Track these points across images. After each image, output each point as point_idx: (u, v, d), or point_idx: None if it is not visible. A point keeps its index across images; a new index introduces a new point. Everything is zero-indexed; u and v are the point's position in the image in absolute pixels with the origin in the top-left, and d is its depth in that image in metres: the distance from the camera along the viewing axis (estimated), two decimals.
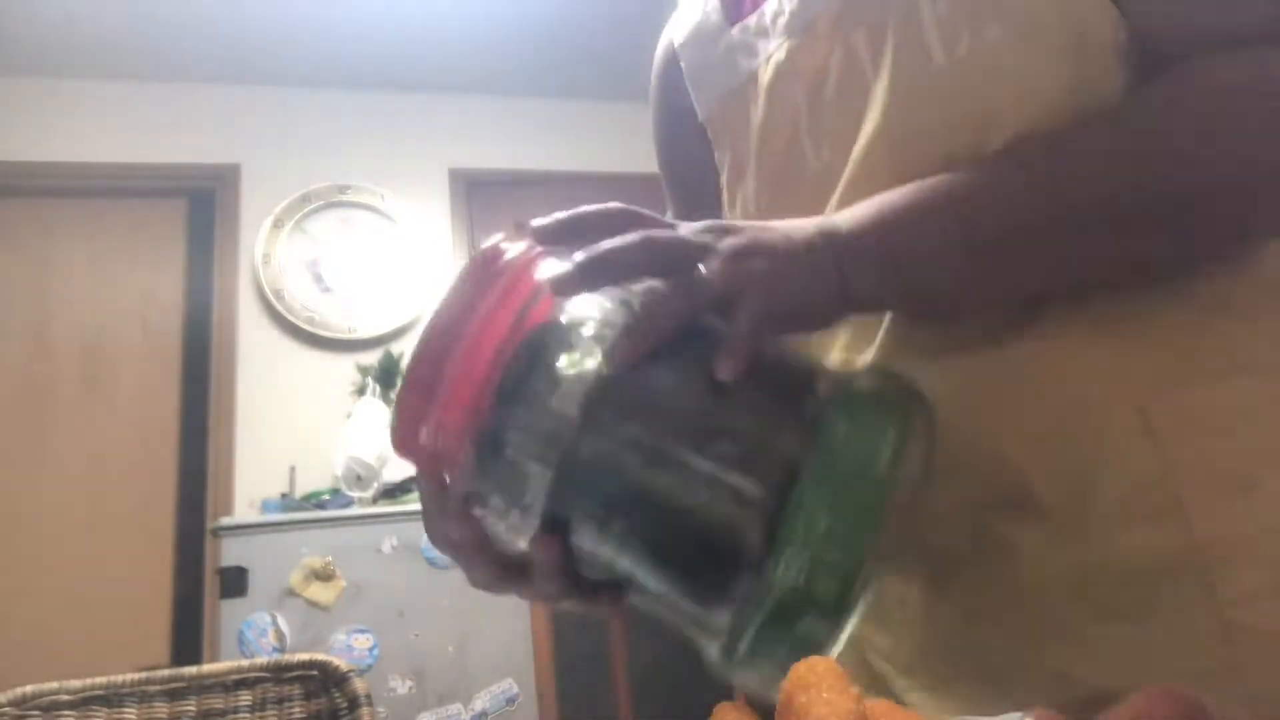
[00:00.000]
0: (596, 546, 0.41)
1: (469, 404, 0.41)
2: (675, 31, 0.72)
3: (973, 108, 0.51)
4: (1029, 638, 0.50)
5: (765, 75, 0.60)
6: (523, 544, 0.43)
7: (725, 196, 0.66)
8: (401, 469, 2.42)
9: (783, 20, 0.59)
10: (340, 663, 1.02)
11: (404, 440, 0.44)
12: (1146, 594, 0.47)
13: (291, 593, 2.05)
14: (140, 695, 0.99)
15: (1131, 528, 0.47)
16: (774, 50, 0.59)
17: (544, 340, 0.41)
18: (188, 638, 2.55)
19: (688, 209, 0.73)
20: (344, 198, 3.06)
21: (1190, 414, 0.47)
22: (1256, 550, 0.45)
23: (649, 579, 0.40)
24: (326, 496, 2.41)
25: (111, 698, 0.98)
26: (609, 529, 0.40)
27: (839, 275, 0.47)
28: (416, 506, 2.45)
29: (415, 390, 0.42)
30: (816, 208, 0.56)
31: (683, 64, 0.69)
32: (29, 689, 0.96)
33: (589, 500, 0.40)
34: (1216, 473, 0.47)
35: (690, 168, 0.70)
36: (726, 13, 0.65)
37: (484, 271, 0.43)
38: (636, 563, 0.40)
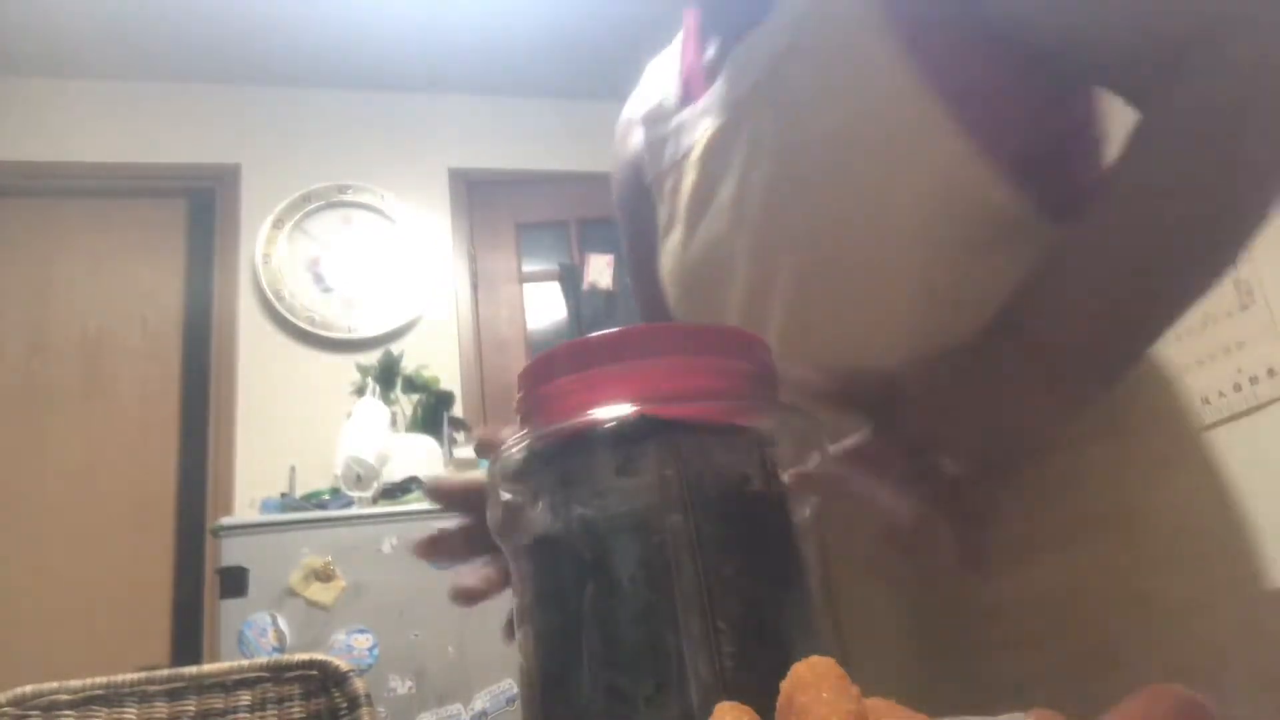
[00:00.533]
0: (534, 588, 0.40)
1: (585, 405, 0.40)
2: (636, 107, 0.87)
3: (849, 174, 0.59)
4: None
5: (696, 150, 0.72)
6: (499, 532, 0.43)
7: (661, 244, 0.79)
8: (401, 469, 2.42)
9: (714, 105, 0.70)
10: (340, 663, 1.02)
11: (534, 369, 0.43)
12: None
13: (291, 593, 2.05)
14: (140, 695, 0.99)
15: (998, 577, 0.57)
16: (705, 129, 0.71)
17: (695, 436, 0.40)
18: (188, 638, 2.55)
19: (633, 243, 0.92)
20: (344, 198, 3.06)
21: (1034, 477, 0.55)
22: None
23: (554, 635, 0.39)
24: (326, 496, 2.41)
25: (111, 698, 0.98)
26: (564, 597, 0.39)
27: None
28: (416, 506, 2.44)
29: (588, 354, 0.41)
30: (723, 269, 0.68)
31: (643, 133, 0.83)
32: (29, 689, 0.96)
33: (562, 571, 0.39)
34: (1024, 534, 0.56)
35: (638, 215, 0.86)
36: (680, 97, 0.78)
37: (725, 341, 0.42)
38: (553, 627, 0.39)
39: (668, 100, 0.79)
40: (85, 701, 0.97)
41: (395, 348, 2.87)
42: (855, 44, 0.58)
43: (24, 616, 2.50)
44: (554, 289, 3.15)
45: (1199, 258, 0.51)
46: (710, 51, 0.75)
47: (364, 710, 0.98)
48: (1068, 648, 0.54)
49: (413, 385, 2.78)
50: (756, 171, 0.64)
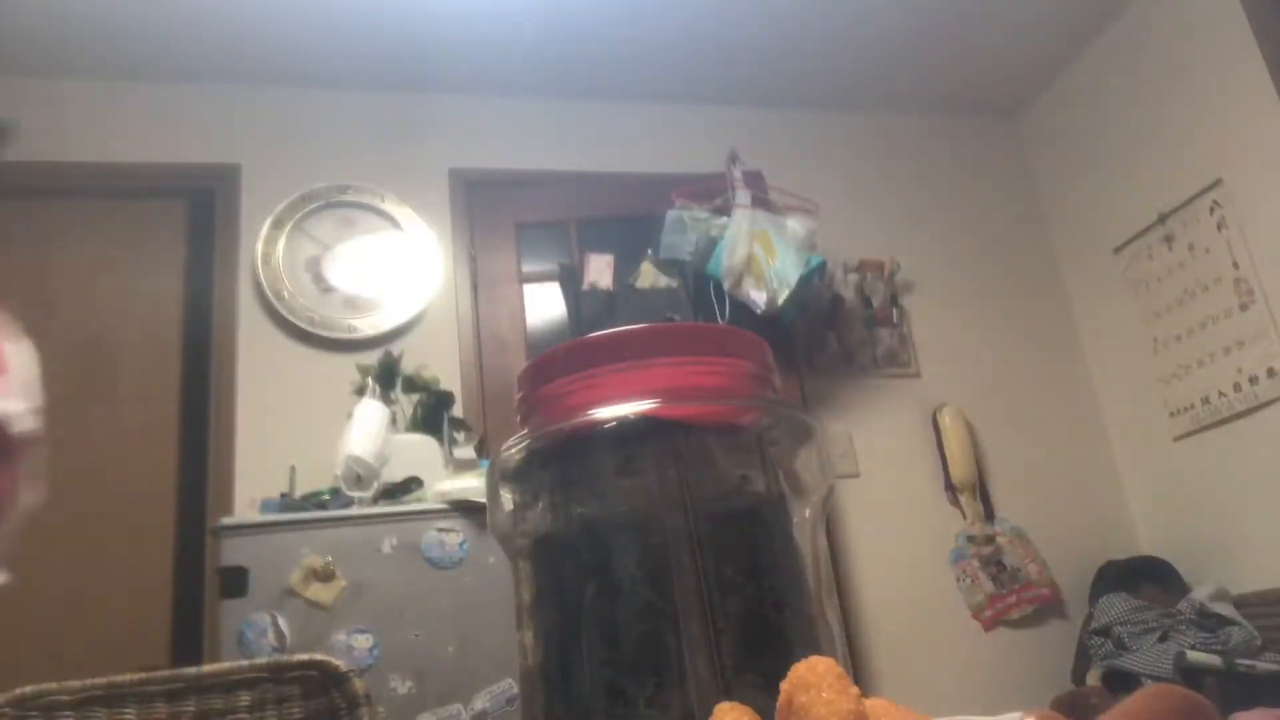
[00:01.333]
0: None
1: (578, 408, 0.40)
2: None
3: None
4: None
5: None
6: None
7: None
8: (402, 469, 2.42)
9: None
10: (340, 663, 1.02)
11: (534, 369, 0.43)
12: None
13: (291, 593, 2.04)
14: (140, 695, 0.99)
15: None
16: None
17: (678, 439, 0.40)
18: (188, 638, 2.55)
19: None
20: (344, 198, 3.06)
21: None
22: None
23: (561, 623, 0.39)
24: (326, 496, 2.41)
25: (111, 698, 0.98)
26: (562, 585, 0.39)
27: None
28: (416, 506, 2.46)
29: (588, 354, 0.41)
30: None
31: None
32: (29, 689, 0.96)
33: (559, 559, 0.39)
34: None
35: None
36: None
37: (705, 341, 0.42)
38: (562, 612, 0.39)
39: None
40: (85, 701, 0.97)
41: (395, 348, 2.86)
42: None
43: (24, 616, 2.50)
44: (554, 289, 3.15)
45: None
46: None
47: (364, 710, 0.97)
48: None
49: (413, 385, 2.78)
50: None
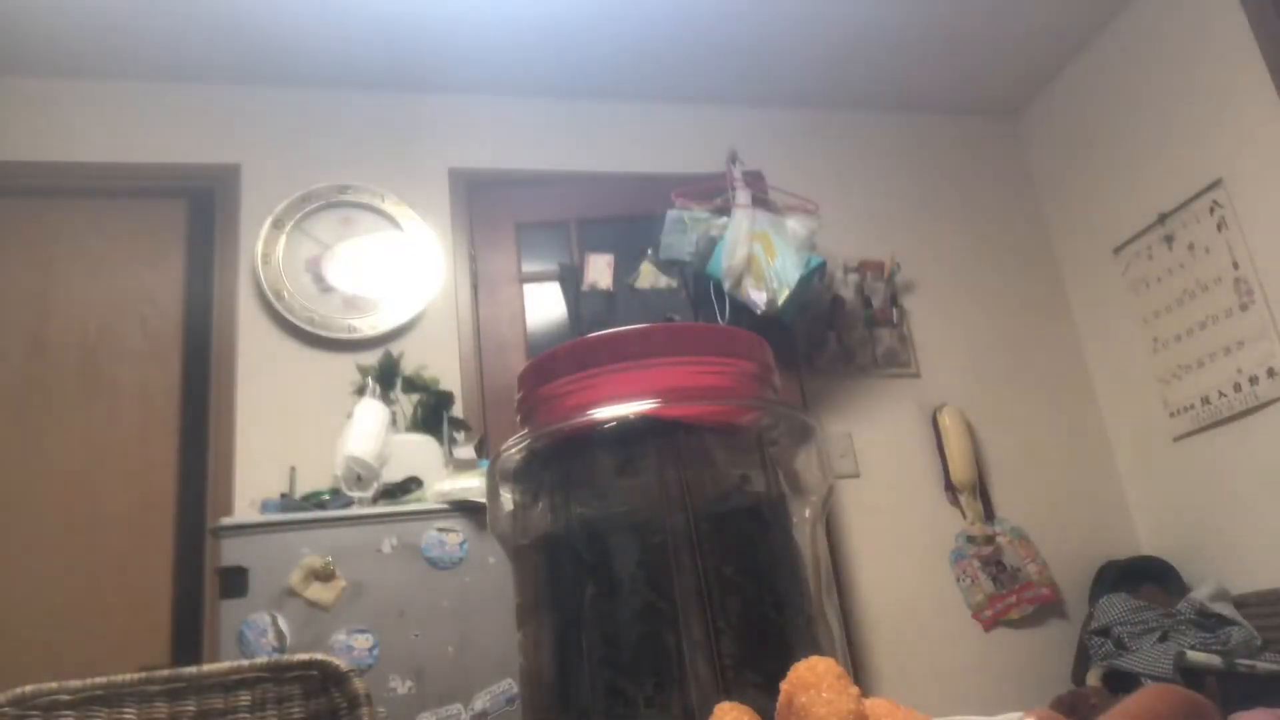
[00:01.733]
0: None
1: (574, 411, 0.40)
2: None
3: None
4: None
5: None
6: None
7: None
8: (401, 469, 2.42)
9: None
10: (340, 663, 1.02)
11: (534, 369, 0.43)
12: None
13: (291, 593, 2.04)
14: (140, 695, 0.99)
15: None
16: None
17: (671, 438, 0.40)
18: (188, 638, 2.55)
19: None
20: (344, 198, 3.06)
21: None
22: None
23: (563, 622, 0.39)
24: (326, 496, 2.41)
25: (111, 698, 0.98)
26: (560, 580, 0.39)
27: None
28: (416, 507, 2.47)
29: (588, 354, 0.41)
30: None
31: None
32: (29, 689, 0.96)
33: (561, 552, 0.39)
34: None
35: None
36: None
37: (702, 341, 0.42)
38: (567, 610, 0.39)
39: None
40: (85, 701, 0.97)
41: (395, 348, 2.86)
42: None
43: (24, 616, 2.50)
44: (554, 289, 3.15)
45: None
46: None
47: (364, 710, 0.97)
48: None
49: (413, 385, 2.78)
50: None
